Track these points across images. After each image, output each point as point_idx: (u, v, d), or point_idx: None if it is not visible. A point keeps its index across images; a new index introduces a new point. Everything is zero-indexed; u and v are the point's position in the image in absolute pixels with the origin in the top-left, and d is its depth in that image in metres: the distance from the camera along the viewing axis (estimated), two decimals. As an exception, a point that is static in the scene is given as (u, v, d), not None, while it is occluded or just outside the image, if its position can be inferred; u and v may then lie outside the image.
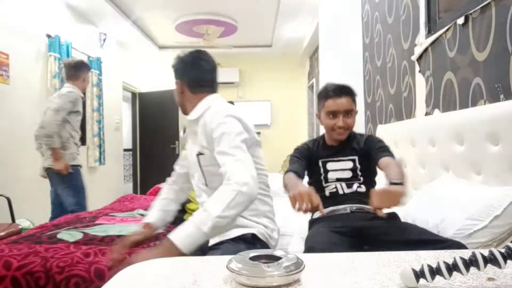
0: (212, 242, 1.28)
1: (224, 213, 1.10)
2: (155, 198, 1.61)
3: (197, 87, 1.42)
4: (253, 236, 1.29)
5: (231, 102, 1.44)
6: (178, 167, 1.58)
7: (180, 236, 1.10)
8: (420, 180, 2.07)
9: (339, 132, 1.60)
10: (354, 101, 1.62)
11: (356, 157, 1.62)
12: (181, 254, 1.06)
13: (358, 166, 1.61)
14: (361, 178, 1.60)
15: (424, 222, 1.47)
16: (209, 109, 1.36)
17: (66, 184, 2.80)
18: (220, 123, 1.26)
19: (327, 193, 1.60)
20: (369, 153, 1.58)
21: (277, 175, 2.86)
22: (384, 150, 1.54)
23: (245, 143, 1.26)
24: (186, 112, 1.46)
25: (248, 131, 1.31)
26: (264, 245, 1.32)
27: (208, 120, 1.30)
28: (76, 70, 2.95)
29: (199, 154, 1.34)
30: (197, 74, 1.42)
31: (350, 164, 1.63)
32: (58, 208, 2.87)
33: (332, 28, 3.71)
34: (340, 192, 1.59)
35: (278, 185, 1.68)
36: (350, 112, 1.60)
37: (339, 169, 1.63)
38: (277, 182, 1.78)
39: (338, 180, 1.62)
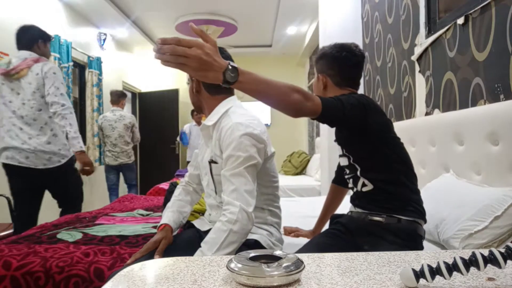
0: None
1: (217, 254, 1.11)
2: (155, 198, 1.59)
3: (214, 87, 1.33)
4: (256, 242, 1.28)
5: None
6: (191, 168, 1.54)
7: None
8: (420, 180, 2.06)
9: None
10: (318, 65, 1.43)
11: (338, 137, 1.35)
12: None
13: (347, 154, 1.31)
14: (358, 169, 1.29)
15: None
16: (227, 115, 1.29)
17: (134, 171, 4.72)
18: (233, 143, 1.20)
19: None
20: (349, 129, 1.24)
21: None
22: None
23: (253, 168, 1.21)
24: (200, 111, 1.42)
25: (263, 144, 1.25)
26: None
27: (224, 132, 1.24)
28: (119, 97, 4.44)
29: (212, 161, 1.30)
30: None
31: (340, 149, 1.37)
32: (116, 190, 4.54)
33: (332, 28, 3.70)
34: (354, 189, 1.35)
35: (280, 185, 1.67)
36: None
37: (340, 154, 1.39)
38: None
39: (345, 171, 1.38)
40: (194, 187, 1.52)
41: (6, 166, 2.24)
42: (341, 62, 1.36)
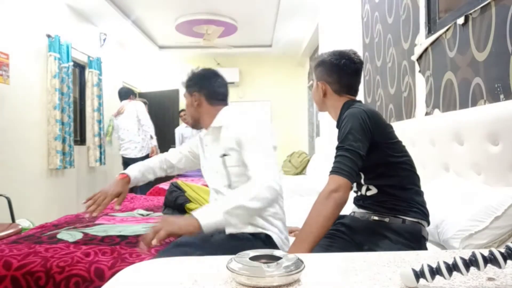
0: (228, 232, 1.27)
1: (250, 203, 1.18)
2: (155, 198, 1.61)
3: (215, 99, 1.49)
4: (267, 237, 1.31)
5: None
6: (177, 152, 1.72)
7: (203, 214, 1.17)
8: (420, 180, 2.07)
9: None
10: None
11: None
12: (200, 230, 1.14)
13: None
14: (362, 177, 1.31)
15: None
16: (233, 116, 1.42)
17: None
18: (252, 126, 1.35)
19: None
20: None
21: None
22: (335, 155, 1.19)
23: (274, 149, 1.34)
24: (198, 125, 1.52)
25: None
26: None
27: (237, 124, 1.37)
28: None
29: (224, 155, 1.38)
30: (216, 86, 1.51)
31: None
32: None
33: (332, 28, 3.71)
34: (358, 193, 1.37)
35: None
36: None
37: None
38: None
39: None
40: (168, 160, 1.70)
41: (122, 157, 4.70)
42: (340, 69, 1.37)
